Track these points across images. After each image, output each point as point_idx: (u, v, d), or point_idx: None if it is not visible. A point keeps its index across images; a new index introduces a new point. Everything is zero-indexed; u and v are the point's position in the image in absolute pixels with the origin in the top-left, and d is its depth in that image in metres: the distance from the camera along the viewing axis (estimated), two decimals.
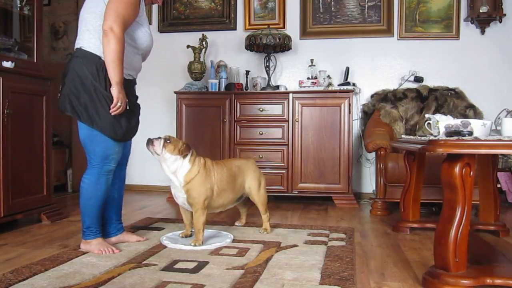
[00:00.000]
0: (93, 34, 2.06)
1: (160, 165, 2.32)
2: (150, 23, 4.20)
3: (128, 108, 2.11)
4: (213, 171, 2.37)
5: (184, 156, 2.28)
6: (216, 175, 2.37)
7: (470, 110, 3.69)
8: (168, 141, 2.26)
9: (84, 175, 2.14)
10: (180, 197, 2.33)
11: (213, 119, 3.85)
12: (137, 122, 2.26)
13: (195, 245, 2.22)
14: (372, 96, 4.02)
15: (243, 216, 2.81)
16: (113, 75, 1.99)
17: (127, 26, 2.04)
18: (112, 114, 2.03)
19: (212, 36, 4.27)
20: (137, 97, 2.31)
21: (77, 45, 2.11)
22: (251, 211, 2.89)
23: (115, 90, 2.01)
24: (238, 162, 2.64)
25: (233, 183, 2.47)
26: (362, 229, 2.78)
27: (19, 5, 2.88)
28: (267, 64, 3.96)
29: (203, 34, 4.16)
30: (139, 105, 2.31)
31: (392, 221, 2.90)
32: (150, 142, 2.27)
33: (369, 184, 4.08)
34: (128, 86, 2.17)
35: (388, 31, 4.09)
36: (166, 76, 4.43)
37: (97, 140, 2.07)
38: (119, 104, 2.02)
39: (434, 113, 3.62)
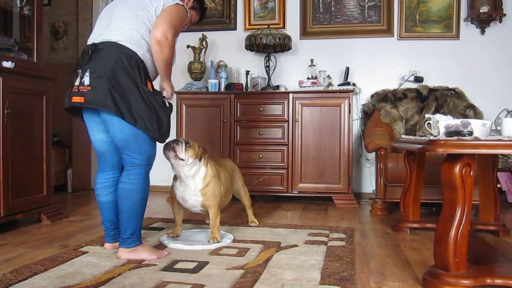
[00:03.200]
0: (137, 38, 1.99)
1: (174, 169, 2.24)
2: None
3: (168, 106, 2.10)
4: (220, 172, 2.40)
5: (200, 159, 2.26)
6: (222, 176, 2.42)
7: (470, 110, 3.69)
8: (188, 145, 2.19)
9: (127, 176, 2.01)
10: (192, 200, 2.29)
11: (213, 119, 3.85)
12: None
13: (215, 242, 2.25)
14: (372, 96, 4.02)
15: (250, 215, 2.83)
16: (165, 75, 2.11)
17: (176, 36, 2.07)
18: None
19: (212, 36, 4.27)
20: None
21: (112, 37, 1.97)
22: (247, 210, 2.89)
23: (169, 85, 2.14)
24: (228, 162, 2.74)
25: (231, 183, 2.57)
26: (362, 229, 2.78)
27: (19, 5, 2.88)
28: (267, 64, 3.96)
29: (203, 34, 4.16)
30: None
31: (392, 221, 2.89)
32: (170, 147, 2.16)
33: (369, 184, 4.08)
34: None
35: (388, 31, 4.09)
36: None
37: (143, 139, 1.99)
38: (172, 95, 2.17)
39: (434, 113, 3.61)
